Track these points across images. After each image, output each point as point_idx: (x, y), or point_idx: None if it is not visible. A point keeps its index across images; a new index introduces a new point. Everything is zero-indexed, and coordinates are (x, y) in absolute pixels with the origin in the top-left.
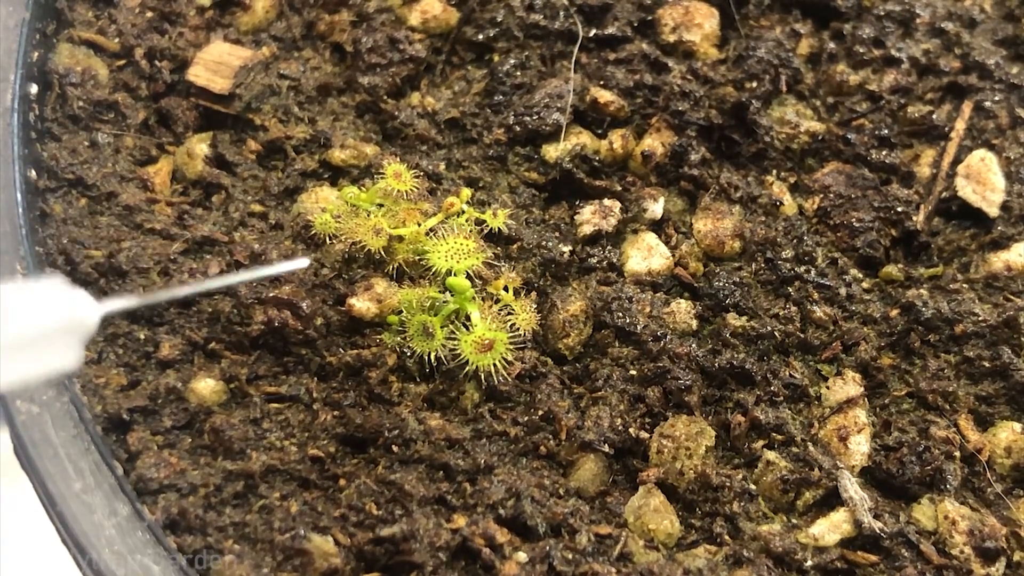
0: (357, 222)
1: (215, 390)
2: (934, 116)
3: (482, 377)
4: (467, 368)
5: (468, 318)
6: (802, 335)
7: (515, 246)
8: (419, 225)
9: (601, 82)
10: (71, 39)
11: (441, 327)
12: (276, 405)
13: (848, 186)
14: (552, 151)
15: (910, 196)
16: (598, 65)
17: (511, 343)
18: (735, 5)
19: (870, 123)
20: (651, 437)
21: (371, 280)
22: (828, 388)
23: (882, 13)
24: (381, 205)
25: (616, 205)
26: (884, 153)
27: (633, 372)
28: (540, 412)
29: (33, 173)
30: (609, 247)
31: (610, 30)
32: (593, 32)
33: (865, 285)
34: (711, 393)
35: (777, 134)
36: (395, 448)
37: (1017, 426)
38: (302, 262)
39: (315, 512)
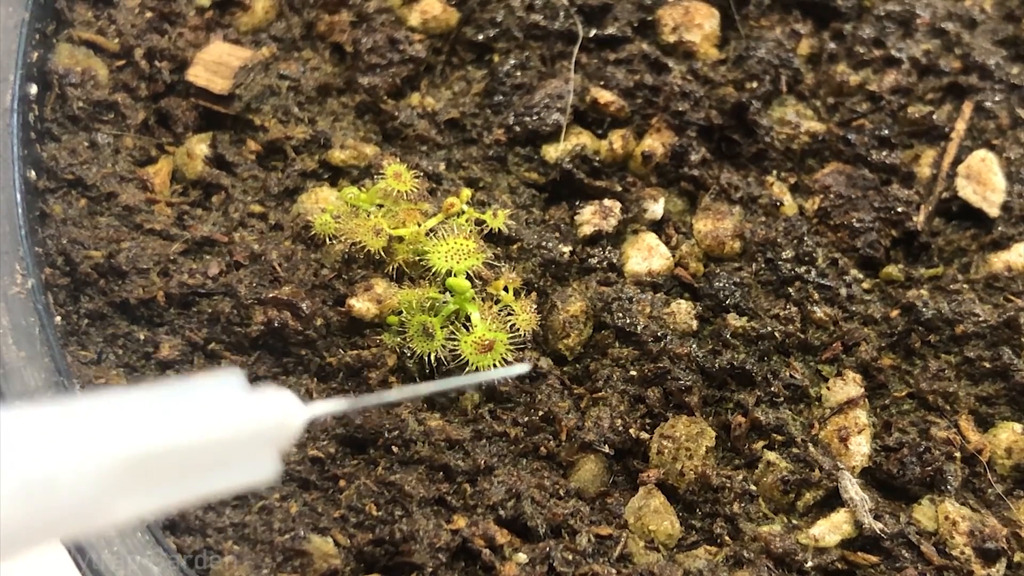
0: (357, 222)
1: None
2: (934, 116)
3: None
4: (467, 369)
5: (468, 319)
6: (802, 336)
7: (515, 246)
8: (419, 225)
9: (601, 82)
10: (71, 39)
11: (441, 328)
12: None
13: (848, 186)
14: (552, 151)
15: (910, 196)
16: (598, 65)
17: (511, 344)
18: (735, 5)
19: (870, 123)
20: (651, 438)
21: (371, 281)
22: (828, 389)
23: (882, 13)
24: (381, 205)
25: (616, 205)
26: (884, 153)
27: (633, 373)
28: (540, 413)
29: (33, 173)
30: (609, 247)
31: (610, 30)
32: (593, 32)
33: (865, 286)
34: (711, 394)
35: (777, 134)
36: (395, 449)
37: (1018, 427)
38: (522, 368)
39: (315, 513)
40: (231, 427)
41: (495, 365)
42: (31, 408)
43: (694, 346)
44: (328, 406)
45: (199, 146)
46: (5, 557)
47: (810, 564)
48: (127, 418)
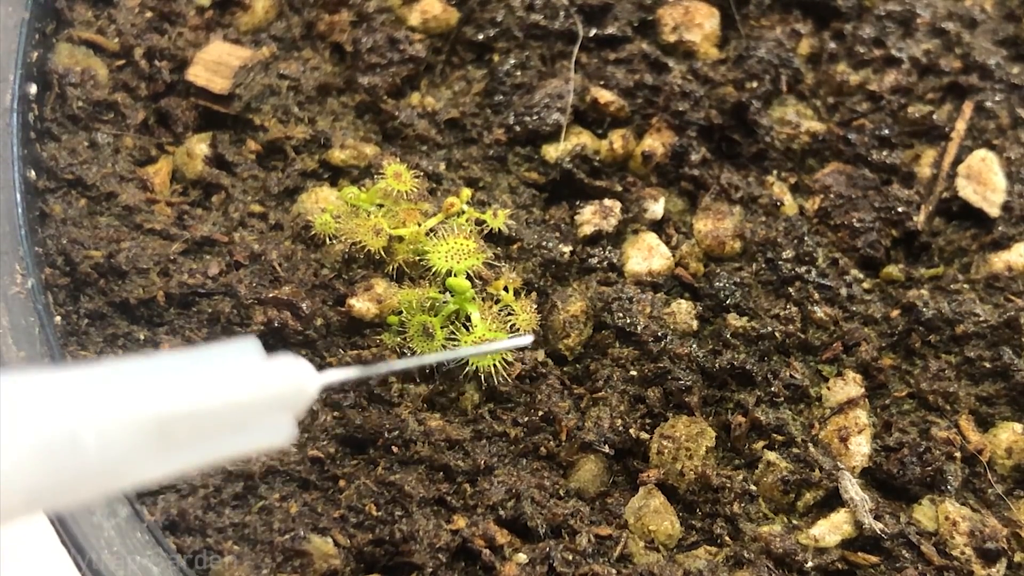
0: (357, 222)
1: None
2: (935, 116)
3: (482, 378)
4: (467, 369)
5: (468, 318)
6: (803, 335)
7: (515, 246)
8: (419, 225)
9: (601, 82)
10: (70, 39)
11: (441, 328)
12: None
13: (849, 186)
14: (552, 151)
15: (911, 196)
16: (598, 65)
17: None
18: (735, 5)
19: (870, 123)
20: (651, 438)
21: (371, 280)
22: (829, 389)
23: (883, 13)
24: (381, 205)
25: (616, 205)
26: (885, 153)
27: (633, 373)
28: (540, 413)
29: (32, 173)
30: (609, 247)
31: (610, 30)
32: (593, 32)
33: (866, 285)
34: (711, 394)
35: (777, 134)
36: (395, 449)
37: (1018, 427)
38: (526, 339)
39: (315, 513)
40: (250, 391)
41: (495, 365)
42: (54, 370)
43: (694, 346)
44: (341, 373)
45: (199, 146)
46: (24, 514)
47: (810, 564)
48: (148, 381)
